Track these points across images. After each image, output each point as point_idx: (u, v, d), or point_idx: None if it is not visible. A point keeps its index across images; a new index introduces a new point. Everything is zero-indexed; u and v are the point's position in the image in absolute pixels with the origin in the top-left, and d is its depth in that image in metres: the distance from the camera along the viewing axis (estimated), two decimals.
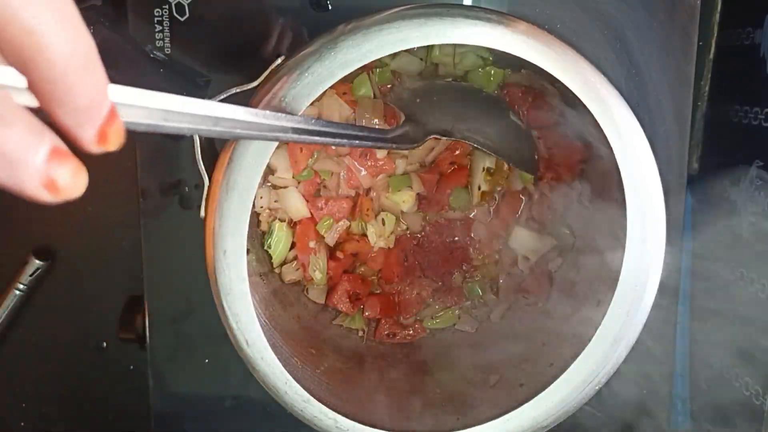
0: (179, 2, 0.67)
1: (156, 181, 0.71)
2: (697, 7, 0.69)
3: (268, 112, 0.44)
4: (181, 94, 0.47)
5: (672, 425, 0.76)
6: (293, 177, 0.69)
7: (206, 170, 0.53)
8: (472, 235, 0.74)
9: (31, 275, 0.79)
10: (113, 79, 0.32)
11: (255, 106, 0.50)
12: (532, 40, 0.52)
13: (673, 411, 0.76)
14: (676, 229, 0.70)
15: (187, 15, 0.67)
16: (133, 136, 0.68)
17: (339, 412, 0.57)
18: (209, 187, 0.53)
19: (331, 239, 0.71)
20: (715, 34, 0.74)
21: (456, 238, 0.74)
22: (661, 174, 0.56)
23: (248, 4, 0.68)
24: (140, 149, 0.70)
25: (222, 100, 0.50)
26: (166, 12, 0.67)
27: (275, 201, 0.70)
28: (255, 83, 0.52)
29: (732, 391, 0.70)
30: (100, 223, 0.80)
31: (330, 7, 0.68)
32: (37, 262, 0.79)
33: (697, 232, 0.74)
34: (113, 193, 0.78)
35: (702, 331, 0.74)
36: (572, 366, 0.57)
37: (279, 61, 0.52)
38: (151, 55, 0.48)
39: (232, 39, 0.69)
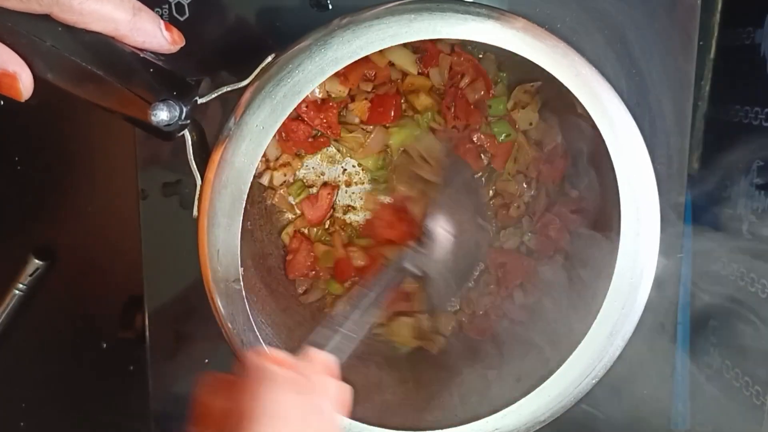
0: (179, 2, 0.67)
1: (156, 181, 0.71)
2: (697, 7, 0.69)
3: None
4: (171, 93, 0.48)
5: (672, 425, 0.76)
6: None
7: (199, 169, 0.52)
8: None
9: (31, 275, 0.79)
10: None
11: (244, 105, 0.50)
12: (522, 34, 0.52)
13: (673, 411, 0.75)
14: (676, 229, 0.70)
15: (187, 15, 0.67)
16: (133, 136, 0.69)
17: None
18: (201, 186, 0.53)
19: None
20: (716, 34, 0.74)
21: None
22: (661, 174, 0.56)
23: (248, 4, 0.68)
24: (140, 149, 0.70)
25: (212, 99, 0.50)
26: (165, 11, 0.67)
27: None
28: (246, 81, 0.52)
29: (732, 391, 0.70)
30: (100, 223, 0.80)
31: (330, 7, 0.68)
32: (37, 262, 0.79)
33: (696, 231, 0.73)
34: (113, 193, 0.79)
35: (702, 330, 0.74)
36: (569, 360, 0.58)
37: (270, 58, 0.52)
38: (141, 55, 0.48)
39: (232, 39, 0.68)
